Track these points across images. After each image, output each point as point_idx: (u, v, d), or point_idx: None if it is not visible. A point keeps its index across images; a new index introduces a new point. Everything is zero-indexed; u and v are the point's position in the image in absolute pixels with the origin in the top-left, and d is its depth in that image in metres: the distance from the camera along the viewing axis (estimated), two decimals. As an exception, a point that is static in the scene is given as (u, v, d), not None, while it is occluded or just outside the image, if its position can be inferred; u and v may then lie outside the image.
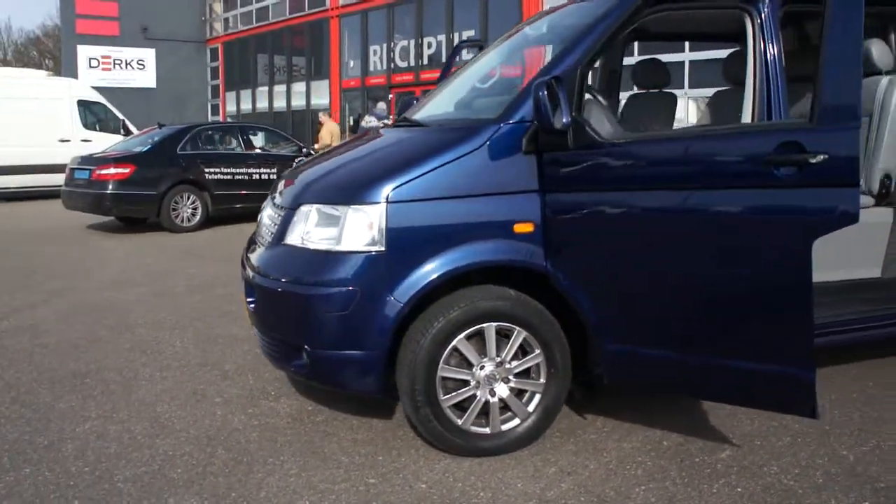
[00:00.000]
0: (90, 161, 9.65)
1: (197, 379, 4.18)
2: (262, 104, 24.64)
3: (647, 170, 2.95)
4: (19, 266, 7.78)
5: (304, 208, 3.15)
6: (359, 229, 2.98)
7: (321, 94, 22.41)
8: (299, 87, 23.23)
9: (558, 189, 3.02)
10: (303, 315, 3.09)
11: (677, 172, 2.91)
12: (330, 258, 3.01)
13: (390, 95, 19.13)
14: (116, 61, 24.01)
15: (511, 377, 3.13)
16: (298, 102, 23.13)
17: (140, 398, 3.90)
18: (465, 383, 3.09)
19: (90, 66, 23.32)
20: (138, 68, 24.09)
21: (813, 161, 2.67)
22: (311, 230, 3.10)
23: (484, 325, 3.05)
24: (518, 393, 3.17)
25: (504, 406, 3.15)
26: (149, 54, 24.11)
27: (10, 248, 8.96)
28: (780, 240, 2.76)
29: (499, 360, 3.10)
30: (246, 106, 23.09)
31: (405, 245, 2.97)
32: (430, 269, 2.97)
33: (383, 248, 2.95)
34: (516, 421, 3.17)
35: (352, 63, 20.94)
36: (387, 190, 2.97)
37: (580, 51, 3.00)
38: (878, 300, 3.84)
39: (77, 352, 4.71)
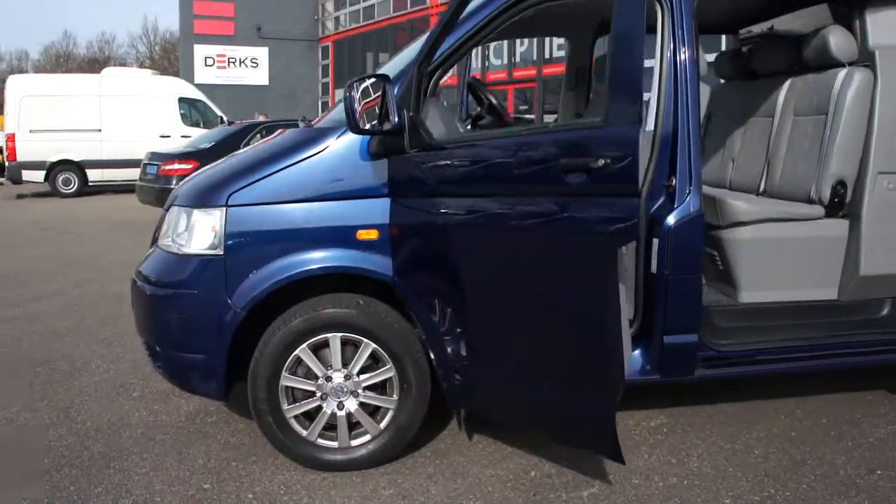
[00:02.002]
0: (158, 157, 10.37)
1: (135, 373, 4.41)
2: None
3: (459, 175, 2.83)
4: (68, 255, 8.54)
5: (171, 210, 3.27)
6: (203, 232, 3.05)
7: None
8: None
9: (398, 194, 2.95)
10: (151, 316, 3.20)
11: (485, 178, 2.77)
12: (179, 260, 3.10)
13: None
14: (231, 60, 25.60)
15: (360, 391, 3.09)
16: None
17: (70, 388, 4.18)
18: (312, 394, 3.09)
19: (206, 65, 25.04)
20: (252, 66, 25.55)
21: (595, 166, 2.43)
22: (171, 232, 3.21)
23: (328, 334, 3.03)
24: (373, 408, 3.13)
25: (357, 420, 3.11)
26: (262, 53, 25.50)
27: (83, 237, 9.85)
28: (575, 257, 2.54)
29: (346, 372, 3.07)
30: None
31: (244, 250, 3.00)
32: (267, 276, 2.98)
33: (222, 253, 3.00)
34: (367, 437, 3.13)
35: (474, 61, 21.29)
36: (228, 193, 3.02)
37: (420, 50, 2.90)
38: (832, 326, 3.45)
39: (55, 340, 5.11)
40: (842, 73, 3.43)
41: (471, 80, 3.85)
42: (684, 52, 3.07)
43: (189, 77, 22.44)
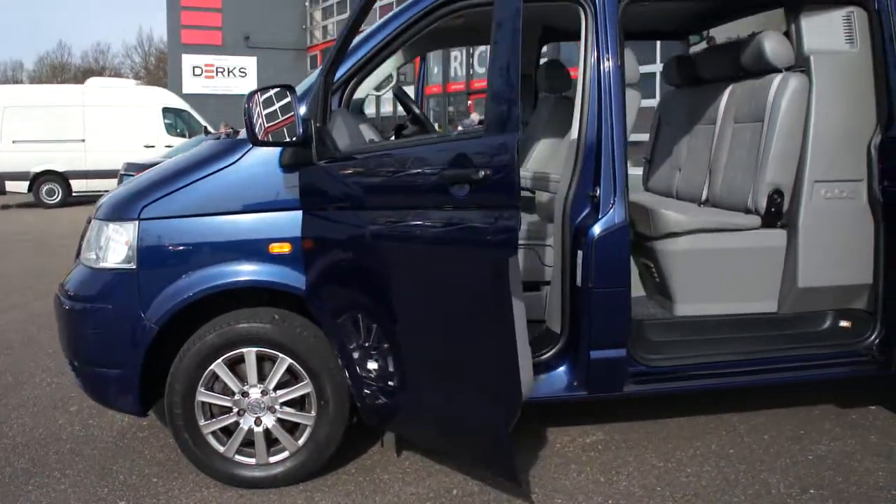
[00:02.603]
0: (134, 167, 10.43)
1: (76, 388, 4.37)
2: (369, 110, 25.49)
3: (357, 187, 2.82)
4: (40, 266, 8.55)
5: (92, 223, 3.27)
6: (116, 246, 3.04)
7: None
8: (387, 94, 23.92)
9: (308, 206, 2.94)
10: (70, 330, 3.20)
11: (379, 190, 2.76)
12: (95, 275, 3.10)
13: (469, 101, 19.18)
14: (219, 69, 25.75)
15: (278, 407, 3.07)
16: (386, 109, 24.09)
17: (8, 402, 4.17)
18: (229, 410, 3.07)
19: (194, 75, 25.20)
20: (240, 76, 25.69)
21: (476, 178, 2.41)
22: (90, 246, 3.21)
23: (244, 349, 3.02)
24: (292, 425, 3.11)
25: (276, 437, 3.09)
26: (250, 62, 25.69)
27: (59, 248, 9.86)
28: (464, 272, 2.51)
29: (262, 387, 3.05)
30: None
31: (156, 264, 3.00)
32: (179, 291, 2.97)
33: (135, 267, 3.00)
34: (286, 454, 3.11)
35: (435, 69, 21.21)
36: (140, 206, 3.01)
37: (326, 60, 2.91)
38: (772, 339, 3.42)
39: (5, 352, 5.12)
40: (777, 78, 3.41)
41: (395, 89, 3.85)
42: (608, 59, 3.06)
43: (177, 87, 22.57)
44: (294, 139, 2.77)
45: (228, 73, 25.59)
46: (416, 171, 2.64)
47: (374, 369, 2.86)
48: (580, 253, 3.04)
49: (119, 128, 15.17)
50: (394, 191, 2.73)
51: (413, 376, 2.76)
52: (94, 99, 15.38)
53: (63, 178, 15.43)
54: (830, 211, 3.37)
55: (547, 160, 4.04)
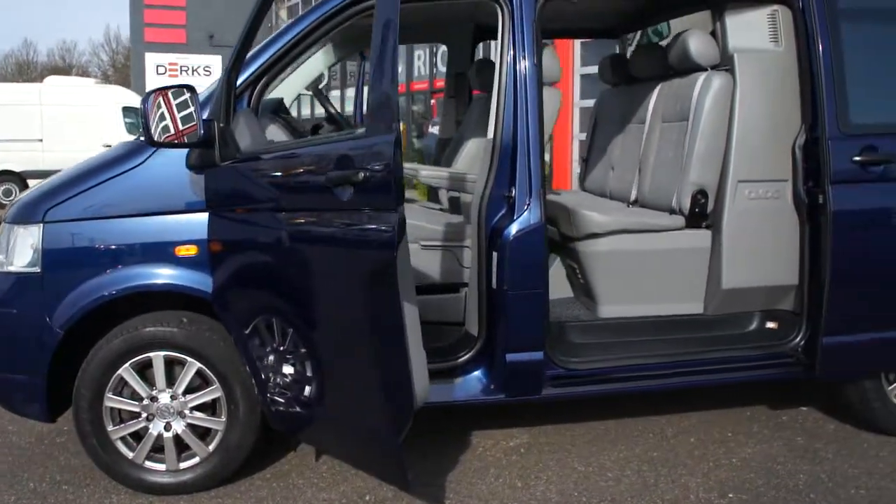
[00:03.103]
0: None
1: None
2: (320, 110, 25.37)
3: (254, 188, 2.81)
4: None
5: (3, 226, 3.23)
6: (23, 249, 3.00)
7: None
8: (350, 93, 24.17)
9: (213, 208, 2.93)
10: None
11: (274, 192, 2.75)
12: (2, 278, 3.06)
13: (432, 101, 19.25)
14: (183, 68, 25.45)
15: (187, 412, 3.06)
16: (352, 108, 24.07)
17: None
18: (138, 415, 3.05)
19: (157, 73, 24.90)
20: (205, 74, 25.35)
21: (357, 179, 2.40)
22: (0, 249, 3.17)
23: (151, 353, 3.00)
24: (204, 430, 3.09)
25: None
26: (215, 61, 25.38)
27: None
28: (351, 276, 2.50)
29: (171, 392, 3.03)
30: (306, 111, 23.92)
31: (61, 267, 2.97)
32: (83, 295, 2.94)
33: (40, 270, 2.97)
34: (197, 459, 3.08)
35: (399, 68, 21.28)
36: (45, 209, 2.98)
37: (228, 60, 2.90)
38: (699, 341, 3.44)
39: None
40: (701, 77, 3.42)
41: (312, 88, 3.85)
42: (524, 59, 3.06)
43: (141, 86, 22.29)
44: (193, 140, 2.76)
45: (193, 71, 25.31)
46: (304, 172, 2.63)
47: (276, 374, 2.84)
48: (495, 254, 3.04)
49: (78, 127, 14.97)
50: (286, 193, 2.72)
51: (311, 382, 2.74)
52: (52, 98, 15.19)
53: (21, 179, 15.22)
54: (755, 211, 3.38)
55: (474, 160, 4.05)
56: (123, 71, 36.93)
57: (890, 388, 3.51)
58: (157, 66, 25.15)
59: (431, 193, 4.62)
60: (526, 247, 3.02)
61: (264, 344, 2.85)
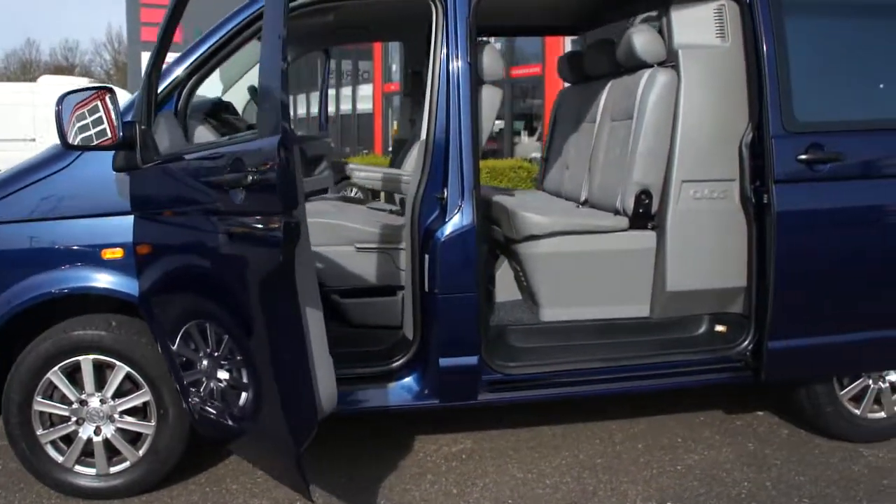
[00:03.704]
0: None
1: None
2: (314, 108, 25.80)
3: (168, 192, 2.82)
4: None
5: None
6: None
7: (365, 100, 23.09)
8: (346, 92, 24.35)
9: (137, 211, 2.95)
10: None
11: (182, 195, 2.76)
12: None
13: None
14: (181, 67, 25.84)
15: (117, 415, 3.08)
16: (345, 107, 24.21)
17: None
18: (68, 419, 3.08)
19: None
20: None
21: (247, 182, 2.38)
22: None
23: (80, 357, 3.03)
24: (136, 434, 3.11)
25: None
26: (212, 60, 25.75)
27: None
28: (249, 281, 2.50)
29: (101, 396, 3.06)
30: (300, 110, 24.06)
31: (-11, 270, 3.01)
32: (10, 298, 2.97)
33: None
34: (127, 464, 3.11)
35: (394, 67, 21.26)
36: (-30, 211, 3.02)
37: (149, 60, 2.92)
38: (645, 345, 3.43)
39: None
40: (646, 74, 3.41)
41: (250, 88, 3.88)
42: (458, 57, 3.06)
43: (137, 85, 22.46)
44: (109, 143, 2.79)
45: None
46: (205, 175, 2.65)
47: (195, 379, 2.86)
48: (427, 257, 3.05)
49: None
50: (193, 195, 2.73)
51: (226, 388, 2.76)
52: (46, 98, 15.30)
53: (14, 179, 15.37)
54: (700, 212, 3.35)
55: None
56: (126, 70, 37.22)
57: (842, 392, 3.48)
58: (154, 66, 25.56)
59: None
60: (457, 249, 3.02)
61: (184, 348, 2.87)
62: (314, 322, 2.50)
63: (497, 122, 17.46)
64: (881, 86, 3.37)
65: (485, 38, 3.52)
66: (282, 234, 2.27)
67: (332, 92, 20.71)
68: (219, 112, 3.67)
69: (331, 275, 3.56)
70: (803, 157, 3.16)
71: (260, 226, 2.37)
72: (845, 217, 3.24)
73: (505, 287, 3.80)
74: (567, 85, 4.61)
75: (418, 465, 3.36)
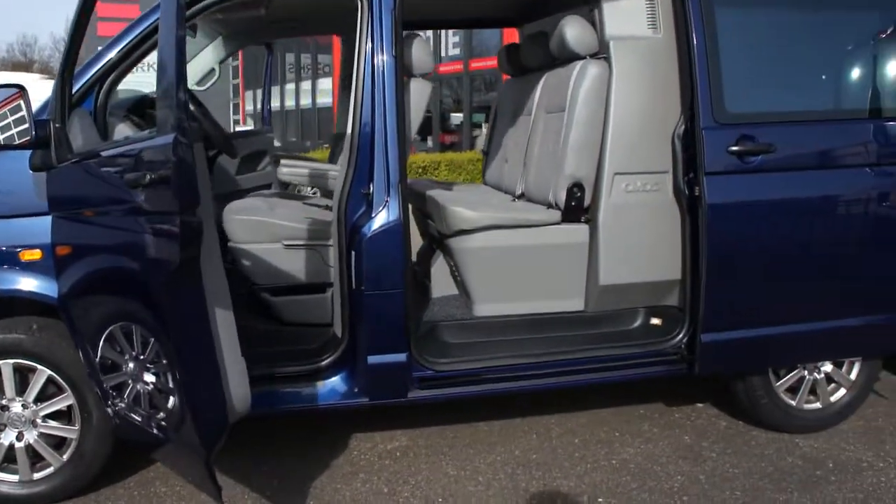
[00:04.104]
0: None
1: None
2: (290, 102, 25.73)
3: (77, 191, 2.78)
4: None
5: None
6: None
7: (326, 93, 22.91)
8: (305, 86, 24.23)
9: (55, 211, 2.91)
10: None
11: (90, 195, 2.73)
12: None
13: None
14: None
15: (39, 420, 3.05)
16: (305, 101, 24.08)
17: None
18: (-12, 425, 3.05)
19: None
20: (221, 67, 25.47)
21: (144, 182, 2.35)
22: None
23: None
24: (61, 439, 3.08)
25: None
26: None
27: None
28: (156, 283, 2.45)
29: (23, 400, 3.03)
30: (274, 104, 24.12)
31: None
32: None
33: None
34: (51, 469, 3.07)
35: None
36: None
37: (62, 59, 2.89)
38: (581, 339, 3.44)
39: None
40: (577, 66, 3.42)
41: None
42: (382, 51, 3.05)
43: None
44: (20, 141, 2.76)
45: (149, 67, 25.19)
46: (109, 174, 2.62)
47: (113, 384, 2.84)
48: (353, 253, 3.04)
49: (24, 122, 14.95)
50: (102, 195, 2.70)
51: (142, 392, 2.74)
52: None
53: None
54: (633, 204, 3.37)
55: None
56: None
57: (778, 383, 3.52)
58: (111, 61, 25.29)
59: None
60: (383, 245, 3.02)
61: (104, 352, 2.84)
62: (224, 323, 2.49)
63: (455, 115, 17.52)
64: (814, 77, 3.39)
65: (416, 32, 3.48)
66: (179, 234, 2.25)
67: (290, 87, 20.55)
68: (145, 108, 3.63)
69: (260, 273, 3.55)
70: (734, 148, 3.17)
71: (160, 226, 2.35)
72: (777, 209, 3.25)
73: (442, 282, 3.80)
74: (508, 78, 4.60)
75: (351, 463, 3.36)
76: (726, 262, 3.22)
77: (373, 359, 3.09)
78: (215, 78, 4.62)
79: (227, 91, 28.76)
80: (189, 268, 2.29)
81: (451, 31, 15.89)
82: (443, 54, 17.57)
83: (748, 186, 3.24)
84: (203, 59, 4.50)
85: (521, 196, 3.84)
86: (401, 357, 3.10)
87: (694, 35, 3.17)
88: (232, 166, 4.78)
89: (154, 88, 2.91)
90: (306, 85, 24.50)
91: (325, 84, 23.27)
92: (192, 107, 3.67)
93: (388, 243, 3.03)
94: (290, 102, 25.45)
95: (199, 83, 4.46)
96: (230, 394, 2.51)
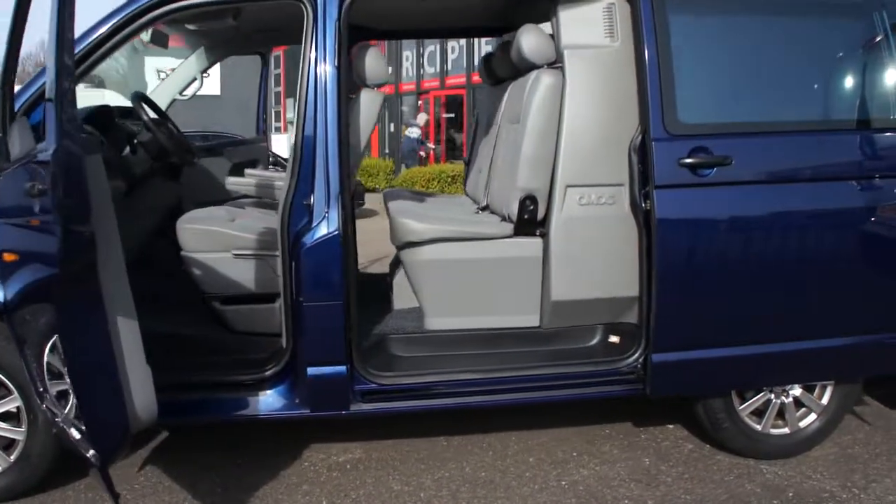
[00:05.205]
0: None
1: None
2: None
3: (10, 199, 2.88)
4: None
5: None
6: None
7: None
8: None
9: (2, 216, 3.06)
10: None
11: (17, 203, 2.81)
12: None
13: (419, 101, 19.56)
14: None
15: (-15, 422, 3.20)
16: None
17: None
18: (-61, 428, 3.21)
19: (158, 77, 25.44)
20: (204, 77, 26.05)
21: (34, 192, 2.44)
22: None
23: (-51, 364, 3.15)
24: (10, 441, 3.22)
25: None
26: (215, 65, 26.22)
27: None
28: (59, 295, 2.53)
29: (-29, 403, 3.18)
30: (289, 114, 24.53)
31: None
32: None
33: None
34: (-1, 469, 3.24)
35: (389, 69, 21.54)
36: None
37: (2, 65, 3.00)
38: (534, 356, 3.45)
39: None
40: (531, 77, 3.44)
41: (132, 95, 3.97)
42: (325, 61, 3.12)
43: (143, 90, 23.03)
44: None
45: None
46: (24, 184, 2.73)
47: (47, 389, 2.96)
48: (294, 264, 3.12)
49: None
50: (25, 203, 2.81)
51: (62, 398, 2.84)
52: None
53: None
54: (587, 218, 3.34)
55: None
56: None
57: (741, 406, 3.47)
58: (158, 71, 25.85)
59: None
60: (321, 256, 3.08)
61: (35, 357, 2.96)
62: (127, 331, 2.58)
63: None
64: (774, 87, 3.32)
65: (370, 42, 3.56)
66: (64, 245, 2.34)
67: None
68: (102, 119, 3.77)
69: (209, 281, 3.65)
70: (686, 161, 3.14)
71: (54, 235, 2.41)
72: (733, 224, 3.20)
73: (405, 294, 3.84)
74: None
75: (299, 474, 3.43)
76: (677, 280, 3.19)
77: (312, 370, 3.16)
78: (198, 87, 4.78)
79: (269, 98, 29.53)
80: (83, 277, 2.38)
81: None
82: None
83: (702, 200, 3.19)
84: (186, 69, 4.66)
85: (486, 208, 3.87)
86: (341, 369, 3.16)
87: (644, 42, 3.15)
88: (223, 174, 4.94)
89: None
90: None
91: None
92: (145, 116, 3.83)
93: (326, 254, 3.09)
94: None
95: (181, 93, 4.63)
96: (133, 403, 2.59)
